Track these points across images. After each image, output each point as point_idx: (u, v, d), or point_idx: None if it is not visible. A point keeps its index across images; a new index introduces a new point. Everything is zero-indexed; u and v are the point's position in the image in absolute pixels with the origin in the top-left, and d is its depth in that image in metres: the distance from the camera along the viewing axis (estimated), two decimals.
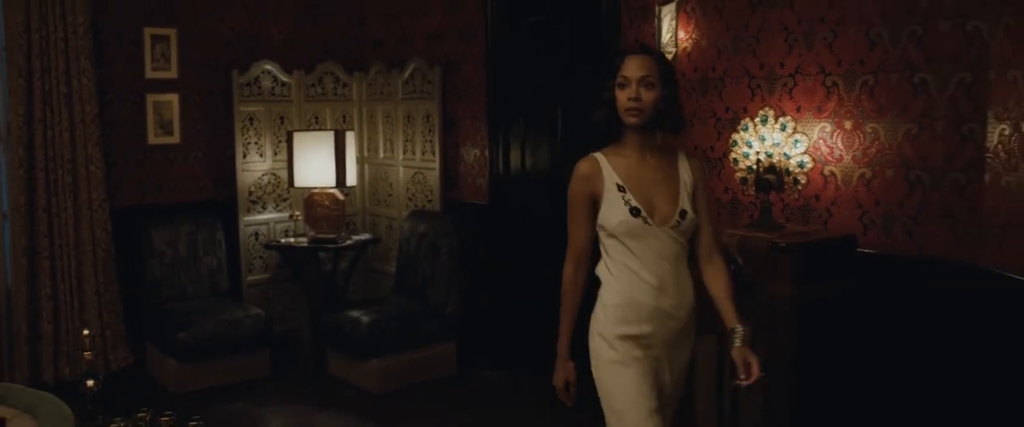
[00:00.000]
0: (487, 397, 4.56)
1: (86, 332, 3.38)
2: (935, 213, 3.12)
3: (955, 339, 3.02)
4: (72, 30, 4.76)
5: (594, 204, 2.50)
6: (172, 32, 5.23)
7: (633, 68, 2.43)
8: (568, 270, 2.59)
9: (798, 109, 3.47)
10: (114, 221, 4.95)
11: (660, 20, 3.96)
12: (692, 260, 2.56)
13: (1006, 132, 2.85)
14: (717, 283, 2.52)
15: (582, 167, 2.52)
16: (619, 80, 2.45)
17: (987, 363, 2.92)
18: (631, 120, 2.43)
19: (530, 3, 4.73)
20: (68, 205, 4.81)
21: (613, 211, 2.44)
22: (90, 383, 3.16)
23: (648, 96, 2.40)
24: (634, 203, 2.43)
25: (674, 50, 3.91)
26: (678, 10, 3.89)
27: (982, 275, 2.93)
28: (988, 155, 2.93)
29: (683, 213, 2.46)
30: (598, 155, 2.52)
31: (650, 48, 2.58)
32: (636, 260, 2.45)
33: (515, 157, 4.89)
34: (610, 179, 2.46)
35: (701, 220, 2.52)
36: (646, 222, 2.42)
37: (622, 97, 2.44)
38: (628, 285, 2.48)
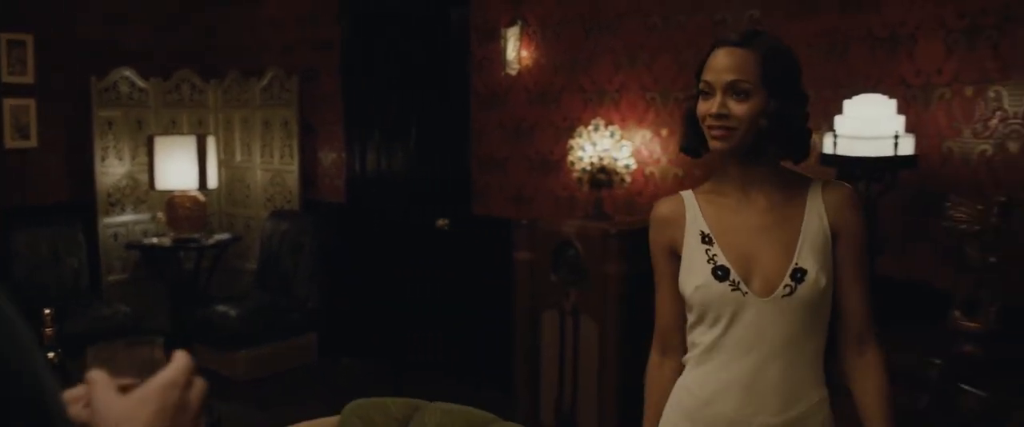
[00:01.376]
0: (346, 382, 4.98)
1: None
2: None
3: None
4: None
5: (676, 261, 1.79)
6: (29, 37, 5.34)
7: (719, 68, 1.66)
8: (652, 357, 1.95)
9: (623, 119, 4.12)
10: None
11: (505, 40, 4.52)
12: (830, 350, 1.74)
13: None
14: (869, 389, 1.70)
15: (660, 209, 1.86)
16: (701, 86, 1.70)
17: None
18: (717, 145, 1.68)
19: (384, 18, 5.19)
20: None
21: (692, 272, 1.73)
22: None
23: (741, 109, 1.64)
24: (721, 260, 1.70)
25: (517, 67, 4.49)
26: (521, 32, 4.47)
27: None
28: None
29: (798, 273, 1.65)
30: (686, 193, 1.83)
31: (754, 34, 1.68)
32: (722, 346, 1.71)
33: (371, 161, 5.34)
34: (694, 225, 1.76)
35: (843, 285, 1.70)
36: (737, 289, 1.67)
37: (702, 110, 1.69)
38: (704, 382, 1.74)
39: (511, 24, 4.50)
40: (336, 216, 5.44)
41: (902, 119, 2.89)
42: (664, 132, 4.02)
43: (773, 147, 1.69)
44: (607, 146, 3.98)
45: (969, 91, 2.87)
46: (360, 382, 4.98)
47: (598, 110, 4.19)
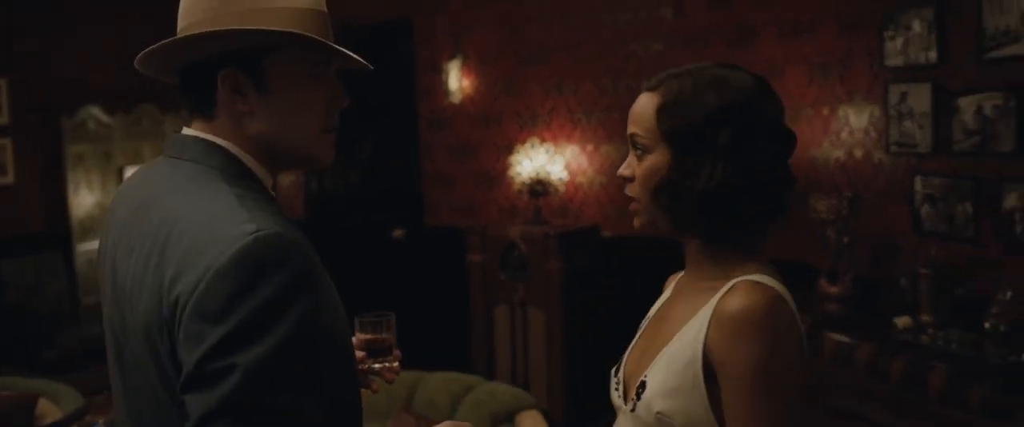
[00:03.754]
0: None
1: None
2: None
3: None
4: None
5: None
6: (3, 82, 5.80)
7: (628, 119, 1.45)
8: None
9: (555, 138, 4.85)
10: None
11: (448, 72, 5.21)
12: None
13: None
14: None
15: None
16: None
17: None
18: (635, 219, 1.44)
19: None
20: None
21: None
22: None
23: (642, 171, 1.41)
24: (626, 353, 1.51)
25: (460, 95, 5.18)
26: (462, 64, 5.17)
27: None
28: None
29: (642, 387, 1.34)
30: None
31: (675, 75, 1.38)
32: None
33: (329, 181, 5.95)
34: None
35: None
36: (615, 389, 1.47)
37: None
38: None
39: (452, 57, 5.19)
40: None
41: None
42: (589, 148, 4.77)
43: (698, 219, 1.34)
44: (542, 161, 4.71)
45: (825, 111, 3.70)
46: None
47: (533, 130, 4.91)
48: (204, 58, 1.26)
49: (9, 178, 5.84)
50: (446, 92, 5.23)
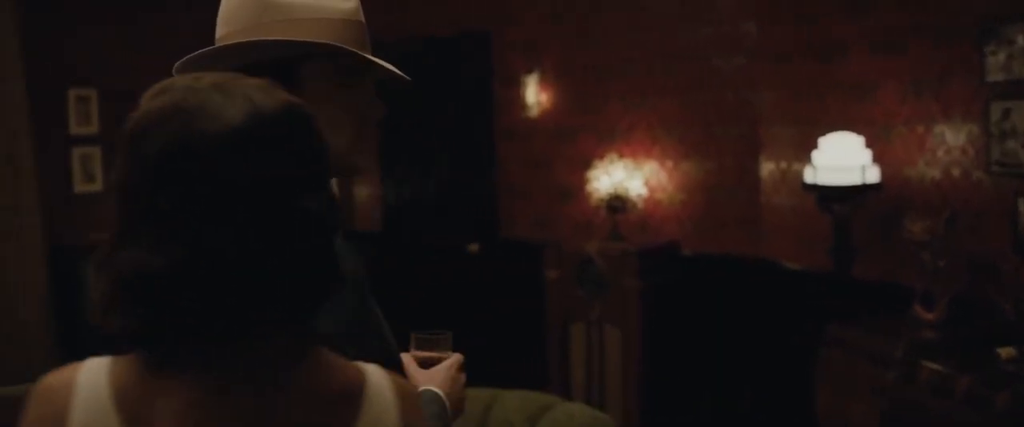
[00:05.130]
0: None
1: None
2: (731, 222, 4.50)
3: (747, 309, 4.40)
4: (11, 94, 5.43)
5: None
6: (94, 92, 5.97)
7: None
8: None
9: (634, 153, 4.78)
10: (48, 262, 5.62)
11: (525, 86, 5.18)
12: None
13: (771, 168, 4.27)
14: None
15: None
16: None
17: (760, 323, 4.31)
18: None
19: (414, 65, 5.82)
20: (7, 250, 5.45)
21: None
22: None
23: None
24: None
25: (537, 109, 5.15)
26: (539, 79, 5.14)
27: (762, 263, 4.32)
28: (761, 182, 4.35)
29: None
30: None
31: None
32: None
33: (405, 193, 5.97)
34: None
35: None
36: None
37: None
38: None
39: (530, 71, 5.16)
40: (374, 245, 6.06)
41: (869, 152, 3.57)
42: (669, 164, 4.68)
43: None
44: (621, 177, 4.64)
45: (920, 129, 3.55)
46: None
47: (611, 145, 4.84)
48: (240, 67, 1.24)
49: (97, 185, 6.00)
50: (523, 105, 5.20)
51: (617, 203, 4.60)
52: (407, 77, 1.37)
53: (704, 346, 4.52)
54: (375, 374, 0.95)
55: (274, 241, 0.86)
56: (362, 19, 1.34)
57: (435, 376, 1.43)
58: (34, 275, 5.50)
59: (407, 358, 1.47)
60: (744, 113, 4.41)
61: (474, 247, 5.51)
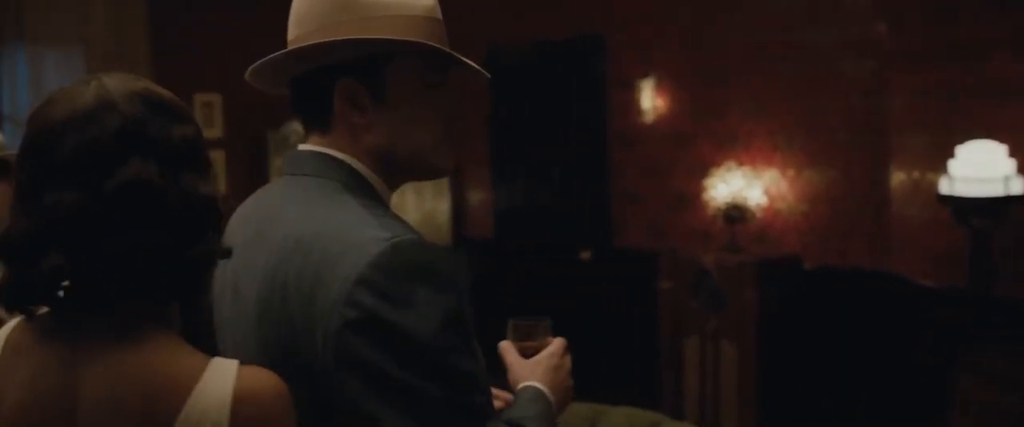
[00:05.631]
0: None
1: None
2: (857, 235, 4.25)
3: (871, 325, 4.15)
4: None
5: None
6: (218, 98, 6.15)
7: None
8: None
9: (753, 161, 4.58)
10: None
11: (640, 90, 5.05)
12: None
13: (902, 178, 4.01)
14: None
15: None
16: None
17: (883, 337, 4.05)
18: None
19: (526, 69, 5.78)
20: None
21: None
22: None
23: None
24: None
25: (652, 114, 5.00)
26: (655, 83, 4.99)
27: (890, 279, 4.06)
28: (891, 193, 4.09)
29: None
30: None
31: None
32: None
33: (517, 200, 5.92)
34: None
35: None
36: None
37: None
38: None
39: (645, 75, 5.02)
40: (485, 251, 6.03)
41: (1013, 162, 3.30)
42: (791, 173, 4.47)
43: None
44: (739, 185, 4.46)
45: None
46: None
47: (730, 153, 4.66)
48: (318, 69, 1.21)
49: (222, 187, 6.18)
50: (638, 110, 5.07)
51: (735, 212, 4.42)
52: (487, 73, 1.30)
53: (825, 366, 4.29)
54: (220, 368, 0.99)
55: (115, 214, 0.96)
56: (440, 16, 1.27)
57: (536, 368, 1.35)
58: None
59: (506, 347, 1.40)
60: (873, 119, 4.15)
61: (586, 254, 5.41)
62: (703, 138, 4.80)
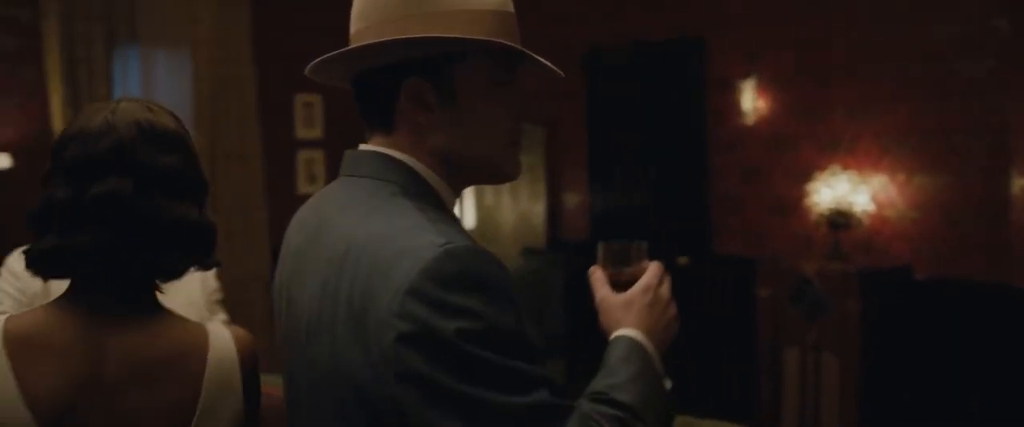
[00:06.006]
0: None
1: None
2: (973, 245, 4.01)
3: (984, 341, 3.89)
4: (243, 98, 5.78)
5: None
6: (318, 98, 6.25)
7: None
8: None
9: (859, 165, 4.38)
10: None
11: (740, 92, 4.89)
12: None
13: (1021, 184, 3.76)
14: None
15: None
16: None
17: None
18: None
19: (623, 69, 5.69)
20: (236, 245, 5.80)
21: None
22: None
23: None
24: None
25: (753, 116, 4.84)
26: (756, 84, 4.83)
27: (1011, 292, 3.81)
28: (1011, 199, 3.83)
29: None
30: None
31: None
32: None
33: (613, 203, 5.83)
34: None
35: None
36: None
37: None
38: None
39: (746, 76, 4.86)
40: (580, 253, 5.95)
41: None
42: (900, 178, 4.25)
43: None
44: (845, 191, 4.26)
45: None
46: None
47: (834, 157, 4.46)
48: (382, 66, 1.15)
49: (320, 187, 6.27)
50: (738, 112, 4.91)
51: (840, 219, 4.23)
52: (560, 72, 1.22)
53: (935, 381, 4.06)
54: (218, 330, 1.25)
55: (90, 216, 1.16)
56: (512, 9, 1.20)
57: (629, 310, 1.22)
58: (261, 269, 5.82)
59: (597, 278, 1.27)
60: (992, 122, 3.91)
61: (683, 260, 5.27)
62: (806, 141, 4.62)
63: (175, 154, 1.21)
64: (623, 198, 5.76)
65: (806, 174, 4.50)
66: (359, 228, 1.09)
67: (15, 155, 4.88)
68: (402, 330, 0.99)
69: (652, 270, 1.26)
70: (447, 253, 1.01)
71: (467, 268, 1.02)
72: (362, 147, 1.22)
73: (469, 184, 1.25)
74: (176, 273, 1.22)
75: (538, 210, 6.22)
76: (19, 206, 1.40)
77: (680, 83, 5.29)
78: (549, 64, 1.21)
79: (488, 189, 6.56)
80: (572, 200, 6.06)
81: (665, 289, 1.26)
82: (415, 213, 1.09)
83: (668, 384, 1.20)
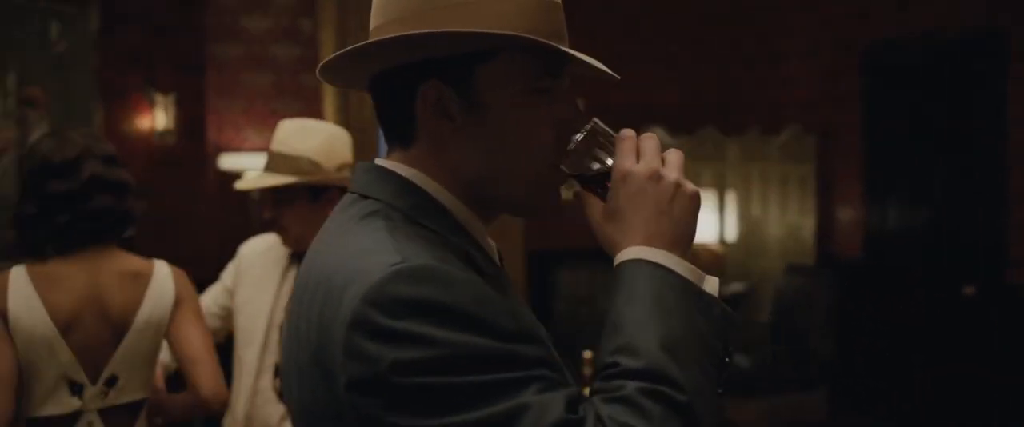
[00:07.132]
0: None
1: None
2: None
3: None
4: None
5: None
6: (579, 103, 6.16)
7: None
8: None
9: None
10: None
11: None
12: None
13: None
14: None
15: None
16: None
17: None
18: None
19: (907, 72, 5.07)
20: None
21: None
22: None
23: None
24: None
25: None
26: None
27: None
28: None
29: None
30: None
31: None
32: None
33: (891, 220, 5.23)
34: None
35: None
36: None
37: None
38: None
39: None
40: (852, 274, 5.40)
41: None
42: None
43: None
44: None
45: None
46: None
47: None
48: (399, 67, 0.97)
49: (569, 194, 6.19)
50: None
51: None
52: (615, 75, 0.98)
53: None
54: (158, 262, 1.95)
55: (78, 202, 1.83)
56: None
57: (617, 215, 0.97)
58: (516, 275, 5.83)
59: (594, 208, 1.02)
60: None
61: (970, 290, 4.63)
62: None
63: (106, 165, 1.86)
64: (903, 215, 5.20)
65: None
66: (322, 255, 0.97)
67: None
68: (352, 375, 0.86)
69: (623, 146, 0.98)
70: (397, 273, 0.86)
71: (419, 289, 0.86)
72: (376, 160, 1.05)
73: (497, 212, 1.05)
74: (123, 231, 1.91)
75: (808, 224, 5.72)
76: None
77: (976, 85, 4.70)
78: (599, 64, 0.98)
79: (756, 198, 6.15)
80: (845, 215, 5.54)
81: (651, 160, 0.97)
82: (381, 233, 0.92)
83: (711, 284, 0.94)
